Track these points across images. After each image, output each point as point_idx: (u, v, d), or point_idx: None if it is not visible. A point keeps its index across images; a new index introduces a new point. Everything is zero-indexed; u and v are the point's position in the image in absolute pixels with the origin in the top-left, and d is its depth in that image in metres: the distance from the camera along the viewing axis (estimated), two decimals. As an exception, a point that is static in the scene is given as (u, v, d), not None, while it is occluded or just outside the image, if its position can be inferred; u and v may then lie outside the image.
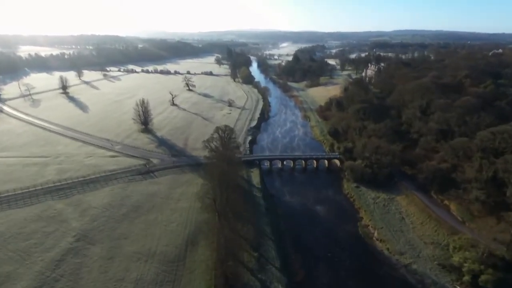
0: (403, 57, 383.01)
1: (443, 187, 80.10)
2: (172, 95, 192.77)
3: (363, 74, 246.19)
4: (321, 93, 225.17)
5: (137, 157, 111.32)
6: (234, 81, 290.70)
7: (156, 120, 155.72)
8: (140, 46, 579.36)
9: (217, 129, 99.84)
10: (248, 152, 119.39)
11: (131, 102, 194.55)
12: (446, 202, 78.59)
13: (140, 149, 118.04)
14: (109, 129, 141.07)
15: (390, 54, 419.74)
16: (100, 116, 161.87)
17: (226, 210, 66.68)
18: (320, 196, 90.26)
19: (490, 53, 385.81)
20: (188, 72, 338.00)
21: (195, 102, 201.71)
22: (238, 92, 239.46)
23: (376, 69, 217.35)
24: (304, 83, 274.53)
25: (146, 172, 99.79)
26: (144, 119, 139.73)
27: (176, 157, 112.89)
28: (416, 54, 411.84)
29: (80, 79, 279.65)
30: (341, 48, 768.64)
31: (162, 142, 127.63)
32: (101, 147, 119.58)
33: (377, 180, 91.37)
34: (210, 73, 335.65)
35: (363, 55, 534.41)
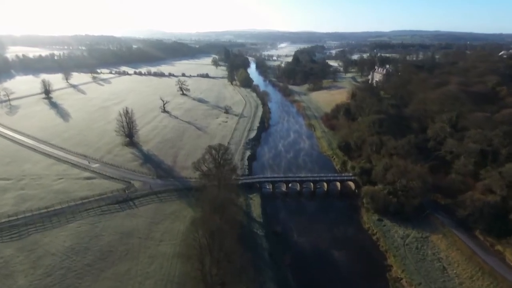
0: (408, 58, 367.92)
1: (493, 226, 63.84)
2: (163, 101, 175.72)
3: (369, 77, 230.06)
4: (325, 98, 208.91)
5: (116, 179, 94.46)
6: (232, 84, 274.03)
7: (144, 130, 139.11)
8: (134, 46, 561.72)
9: (210, 148, 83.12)
10: (246, 171, 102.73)
11: (118, 108, 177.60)
12: (498, 247, 62.23)
13: (121, 169, 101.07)
14: (89, 143, 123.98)
15: (393, 55, 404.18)
16: (81, 126, 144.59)
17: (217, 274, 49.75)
18: (336, 234, 73.46)
19: (500, 54, 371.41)
20: (183, 75, 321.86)
21: (189, 108, 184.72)
22: (236, 96, 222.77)
23: (384, 72, 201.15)
24: (306, 86, 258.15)
25: (124, 200, 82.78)
26: (128, 131, 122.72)
27: (162, 178, 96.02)
28: (421, 55, 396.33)
29: (67, 82, 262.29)
30: (340, 49, 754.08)
31: (147, 159, 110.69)
32: (75, 166, 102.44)
33: (404, 212, 74.88)
34: (206, 76, 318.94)
35: (364, 56, 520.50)
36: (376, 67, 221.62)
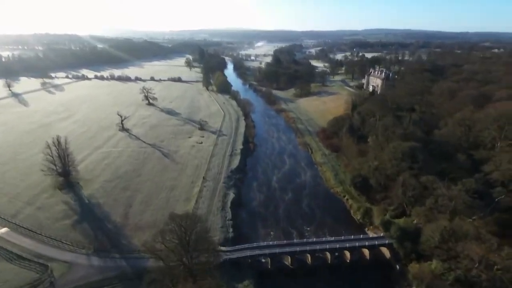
0: (394, 58, 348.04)
1: None
2: (121, 116, 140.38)
3: (364, 82, 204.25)
4: (317, 107, 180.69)
5: (26, 260, 60.37)
6: (207, 89, 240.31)
7: (91, 160, 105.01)
8: (99, 46, 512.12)
9: (173, 218, 51.21)
10: (231, 231, 71.08)
11: (65, 126, 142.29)
12: None
13: (41, 236, 66.93)
14: (6, 186, 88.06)
15: (379, 55, 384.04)
16: (2, 158, 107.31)
17: None
18: None
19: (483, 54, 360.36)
20: (152, 79, 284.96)
21: (155, 124, 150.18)
22: (212, 106, 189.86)
23: (383, 77, 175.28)
24: (292, 91, 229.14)
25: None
26: (62, 168, 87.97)
27: (102, 253, 62.97)
28: (407, 55, 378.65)
29: (9, 90, 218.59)
30: (319, 48, 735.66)
31: (86, 213, 76.78)
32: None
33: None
34: (179, 80, 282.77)
35: (347, 55, 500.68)
36: (371, 70, 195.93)
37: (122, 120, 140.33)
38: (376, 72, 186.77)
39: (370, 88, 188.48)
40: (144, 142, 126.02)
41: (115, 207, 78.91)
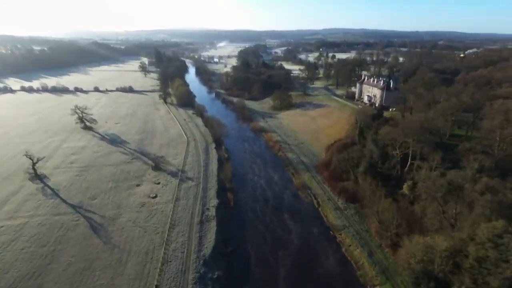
0: (369, 58, 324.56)
1: None
2: (32, 159, 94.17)
3: (355, 90, 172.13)
4: (305, 125, 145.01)
5: None
6: (165, 102, 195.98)
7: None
8: (37, 49, 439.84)
9: None
10: None
11: None
12: None
13: None
14: None
15: (351, 55, 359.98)
16: None
17: None
18: None
19: (464, 54, 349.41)
20: (96, 89, 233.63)
21: (88, 164, 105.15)
22: (172, 127, 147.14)
23: (382, 86, 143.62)
24: (268, 102, 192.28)
25: None
26: None
27: None
28: (381, 55, 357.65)
29: None
30: (284, 48, 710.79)
31: None
32: None
33: None
34: (130, 90, 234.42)
35: (313, 55, 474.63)
36: (364, 76, 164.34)
37: (33, 164, 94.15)
38: (372, 80, 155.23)
39: (365, 99, 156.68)
40: (65, 201, 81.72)
41: None
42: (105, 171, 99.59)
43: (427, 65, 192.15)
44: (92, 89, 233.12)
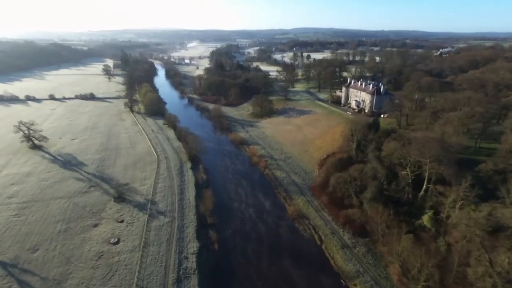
0: (345, 58, 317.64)
1: None
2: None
3: (340, 95, 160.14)
4: (291, 135, 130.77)
5: None
6: (132, 111, 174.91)
7: None
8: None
9: None
10: None
11: None
12: None
13: None
14: None
15: (327, 55, 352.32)
16: None
17: None
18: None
19: (437, 53, 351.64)
20: (52, 97, 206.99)
21: (31, 199, 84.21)
22: (140, 143, 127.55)
23: (372, 91, 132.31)
24: (247, 108, 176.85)
25: None
26: None
27: None
28: (357, 55, 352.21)
29: None
30: (257, 48, 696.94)
31: None
32: None
33: None
34: (91, 97, 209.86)
35: (288, 54, 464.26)
36: (351, 80, 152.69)
37: (-46, 205, 72.65)
38: (360, 83, 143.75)
39: (353, 104, 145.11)
40: (-6, 259, 61.77)
41: None
42: (54, 207, 79.66)
43: (411, 66, 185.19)
44: (47, 97, 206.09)
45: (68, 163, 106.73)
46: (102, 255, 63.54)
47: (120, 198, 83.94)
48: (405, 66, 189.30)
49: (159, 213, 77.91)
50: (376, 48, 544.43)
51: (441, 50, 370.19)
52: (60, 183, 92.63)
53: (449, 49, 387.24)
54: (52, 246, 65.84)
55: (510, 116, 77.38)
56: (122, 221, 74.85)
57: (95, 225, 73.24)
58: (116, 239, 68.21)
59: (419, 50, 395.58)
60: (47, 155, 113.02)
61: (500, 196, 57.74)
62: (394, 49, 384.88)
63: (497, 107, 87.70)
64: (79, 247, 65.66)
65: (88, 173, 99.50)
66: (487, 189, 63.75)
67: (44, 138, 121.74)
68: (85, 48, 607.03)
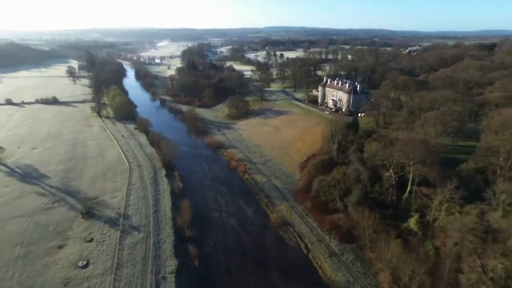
0: (319, 56, 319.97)
1: None
2: None
3: (316, 93, 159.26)
4: (270, 137, 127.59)
5: None
6: (99, 116, 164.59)
7: None
8: None
9: None
10: None
11: None
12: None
13: None
14: None
15: (301, 54, 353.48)
16: None
17: None
18: None
19: (406, 52, 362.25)
20: (9, 102, 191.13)
21: (-15, 218, 75.24)
22: (109, 150, 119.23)
23: (348, 90, 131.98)
24: (222, 109, 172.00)
25: None
26: None
27: None
28: (329, 53, 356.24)
29: None
30: (229, 47, 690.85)
31: None
32: None
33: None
34: (54, 101, 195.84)
35: (259, 54, 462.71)
36: (327, 79, 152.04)
37: None
38: (336, 82, 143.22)
39: (330, 104, 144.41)
40: None
41: None
42: (11, 228, 71.30)
43: (383, 64, 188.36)
44: (3, 101, 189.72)
45: (28, 175, 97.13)
46: (68, 281, 56.93)
47: (88, 213, 76.77)
48: (378, 64, 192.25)
49: (133, 229, 71.80)
50: (347, 47, 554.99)
51: (409, 48, 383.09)
52: (18, 199, 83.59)
53: (417, 47, 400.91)
54: (9, 274, 58.26)
55: (487, 114, 78.58)
56: (91, 240, 68.10)
57: (60, 247, 66.04)
58: (84, 262, 61.59)
59: (388, 48, 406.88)
60: (3, 168, 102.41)
61: (487, 198, 57.35)
62: (365, 47, 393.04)
63: (472, 105, 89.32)
64: (42, 273, 58.55)
65: (51, 186, 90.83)
66: (470, 189, 63.55)
67: (0, 148, 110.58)
68: (46, 48, 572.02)
